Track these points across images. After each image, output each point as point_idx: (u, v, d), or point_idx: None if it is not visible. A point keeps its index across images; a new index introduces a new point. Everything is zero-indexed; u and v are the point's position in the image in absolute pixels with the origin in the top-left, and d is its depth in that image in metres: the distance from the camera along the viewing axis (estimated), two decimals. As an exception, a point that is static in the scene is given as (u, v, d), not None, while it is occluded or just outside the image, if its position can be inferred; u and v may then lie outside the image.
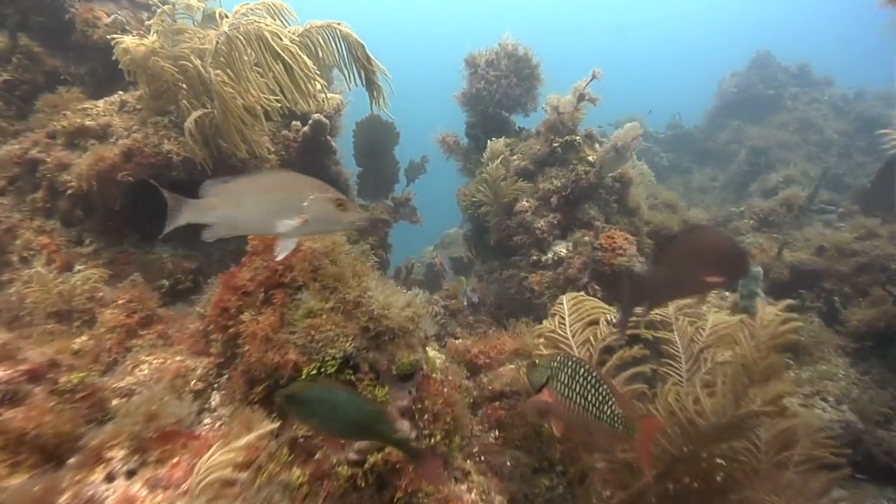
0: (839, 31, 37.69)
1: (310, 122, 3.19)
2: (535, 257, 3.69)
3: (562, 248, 3.64)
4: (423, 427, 1.64)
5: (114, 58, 2.62)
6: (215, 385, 1.76)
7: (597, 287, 3.32)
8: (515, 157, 4.07)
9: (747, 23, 39.07)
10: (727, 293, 3.75)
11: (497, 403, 2.14)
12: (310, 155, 3.28)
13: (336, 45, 2.68)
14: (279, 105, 2.60)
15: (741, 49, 12.03)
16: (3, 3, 3.01)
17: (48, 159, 2.64)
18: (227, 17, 2.53)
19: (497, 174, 3.75)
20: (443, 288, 4.30)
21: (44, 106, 2.85)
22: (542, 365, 1.52)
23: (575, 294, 2.22)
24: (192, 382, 1.73)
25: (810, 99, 10.04)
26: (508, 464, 1.96)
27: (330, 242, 1.79)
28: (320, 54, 2.66)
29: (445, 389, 1.77)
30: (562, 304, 2.15)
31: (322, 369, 1.50)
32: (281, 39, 2.37)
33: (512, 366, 2.27)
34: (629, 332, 2.03)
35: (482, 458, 1.96)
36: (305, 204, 1.38)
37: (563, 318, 2.08)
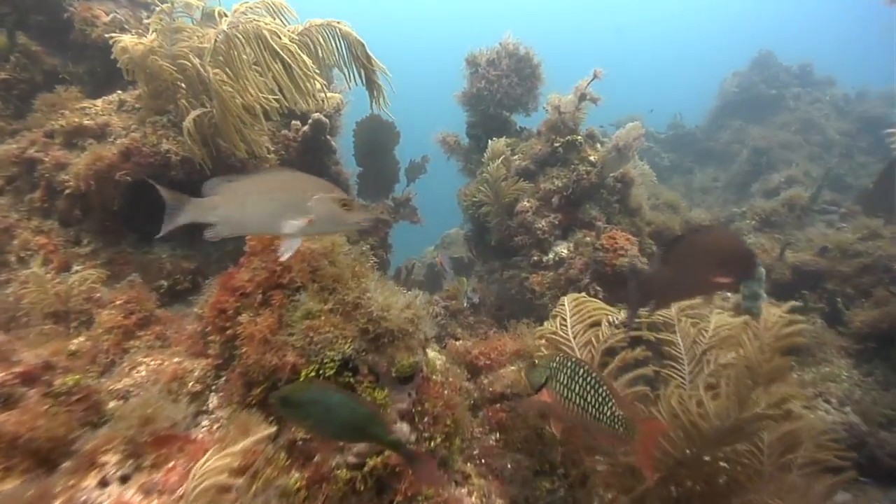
0: (841, 31, 37.68)
1: (310, 121, 3.18)
2: (536, 258, 3.67)
3: (563, 249, 3.62)
4: (422, 430, 1.62)
5: (112, 57, 2.60)
6: (213, 387, 1.74)
7: (598, 288, 3.30)
8: (516, 156, 4.05)
9: (749, 22, 39.06)
10: (729, 294, 3.72)
11: (498, 405, 2.12)
12: (309, 154, 3.27)
13: (336, 43, 2.66)
14: (278, 104, 2.59)
15: (743, 49, 12.01)
16: (1, 1, 2.99)
17: (46, 159, 2.63)
18: (226, 15, 2.51)
19: (498, 174, 3.73)
20: (443, 288, 4.28)
21: (42, 105, 2.83)
22: (541, 365, 1.52)
23: (576, 295, 2.20)
24: (190, 384, 1.71)
25: (812, 99, 10.01)
26: (509, 467, 1.94)
27: (329, 243, 1.77)
28: (320, 53, 2.64)
29: (446, 392, 1.75)
30: (563, 305, 2.13)
31: (321, 371, 1.48)
32: (280, 38, 2.35)
33: (513, 367, 2.25)
34: (632, 333, 2.01)
35: (483, 460, 1.94)
36: (310, 204, 1.37)
37: (565, 320, 2.07)
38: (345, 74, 2.81)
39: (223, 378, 1.74)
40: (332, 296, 1.62)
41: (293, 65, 2.38)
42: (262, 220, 1.40)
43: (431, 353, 2.09)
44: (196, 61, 2.52)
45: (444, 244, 7.21)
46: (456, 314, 3.69)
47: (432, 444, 1.62)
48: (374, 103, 2.94)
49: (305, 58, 2.42)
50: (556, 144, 3.87)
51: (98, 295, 2.28)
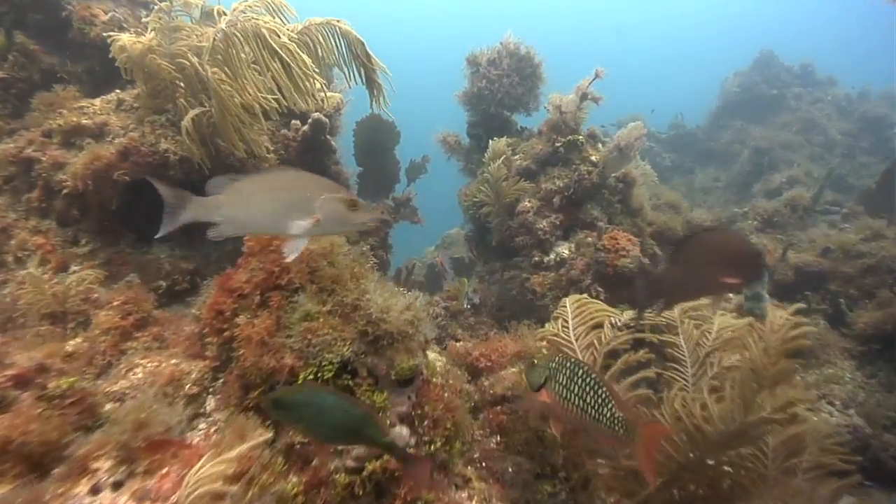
0: (842, 31, 37.65)
1: (309, 121, 3.16)
2: (537, 258, 3.65)
3: (564, 249, 3.60)
4: (422, 433, 1.60)
5: (111, 56, 2.58)
6: (210, 389, 1.72)
7: (600, 289, 3.28)
8: (517, 156, 4.03)
9: (750, 22, 39.03)
10: (731, 295, 3.70)
11: (499, 408, 2.10)
12: (309, 154, 3.24)
13: (335, 42, 2.64)
14: (277, 104, 2.56)
15: (744, 49, 11.98)
16: (-1, 0, 2.98)
17: (44, 158, 2.61)
18: (225, 14, 2.49)
19: (499, 174, 3.71)
20: (444, 289, 4.26)
21: (40, 104, 2.81)
22: (540, 365, 1.51)
23: (578, 296, 2.18)
24: (187, 387, 1.69)
25: (814, 99, 9.97)
26: (510, 470, 1.92)
27: (328, 243, 1.75)
28: (319, 52, 2.62)
29: (446, 394, 1.73)
30: (565, 306, 2.11)
31: (319, 374, 1.46)
32: (279, 37, 2.33)
33: (514, 369, 2.23)
34: (634, 336, 1.99)
35: (483, 463, 1.91)
36: (317, 204, 1.35)
37: (567, 322, 2.04)
38: (345, 73, 2.79)
39: (221, 380, 1.72)
40: (330, 297, 1.60)
41: (292, 64, 2.36)
42: (267, 219, 1.38)
43: (432, 355, 2.07)
44: (195, 60, 2.50)
45: (445, 244, 7.18)
46: (456, 315, 3.67)
47: (432, 447, 1.60)
48: (374, 103, 2.92)
49: (304, 57, 2.40)
50: (558, 144, 3.85)
51: (95, 296, 2.26)
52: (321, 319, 1.54)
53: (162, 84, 2.64)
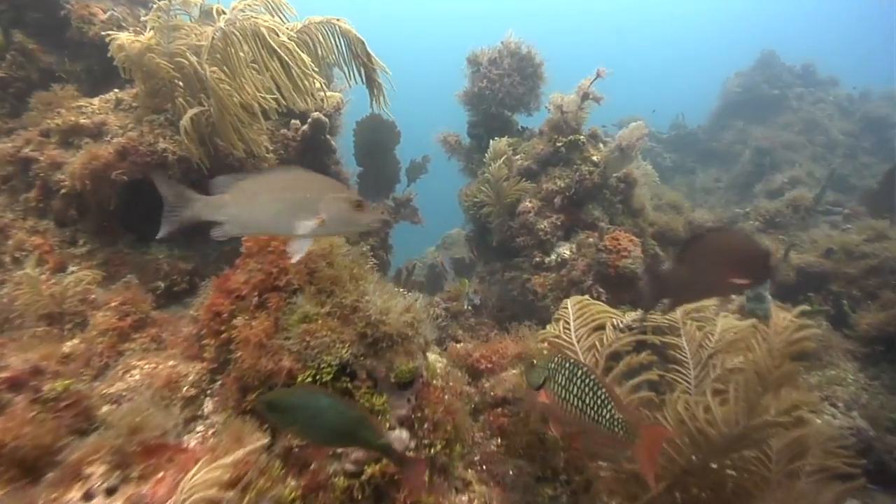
0: (844, 31, 37.60)
1: (309, 120, 3.14)
2: (538, 259, 3.63)
3: (565, 250, 3.58)
4: (422, 436, 1.58)
5: (109, 55, 2.57)
6: (208, 391, 1.70)
7: (601, 290, 3.27)
8: (518, 156, 4.01)
9: (751, 22, 38.99)
10: (732, 296, 3.68)
11: (499, 410, 2.08)
12: (309, 154, 3.23)
13: (335, 41, 2.62)
14: (276, 103, 2.55)
15: (745, 49, 11.96)
16: (-3, -1, 2.96)
17: (41, 158, 2.59)
18: (224, 13, 2.47)
19: (499, 174, 3.69)
20: (444, 289, 4.24)
21: (38, 104, 2.79)
22: (539, 366, 1.50)
23: (580, 298, 2.16)
24: (185, 389, 1.67)
25: (815, 99, 9.95)
26: (511, 473, 1.90)
27: (327, 244, 1.73)
28: (319, 51, 2.60)
29: (446, 397, 1.71)
30: (566, 308, 2.09)
31: (317, 377, 1.44)
32: (278, 35, 2.31)
33: (515, 371, 2.21)
34: (636, 338, 1.97)
35: (484, 466, 1.90)
36: (322, 204, 1.33)
37: (568, 323, 2.02)
38: (344, 73, 2.77)
39: (218, 382, 1.70)
40: (329, 299, 1.58)
41: (291, 63, 2.34)
42: (271, 219, 1.36)
43: (432, 357, 2.05)
44: (193, 59, 2.48)
45: (445, 245, 7.16)
46: (457, 316, 3.65)
47: (432, 450, 1.58)
48: (374, 102, 2.90)
49: (304, 56, 2.38)
50: (559, 144, 3.83)
51: (93, 296, 2.24)
52: (320, 321, 1.52)
53: (160, 83, 2.62)
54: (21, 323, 2.08)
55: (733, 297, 3.65)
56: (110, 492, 1.07)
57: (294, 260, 1.38)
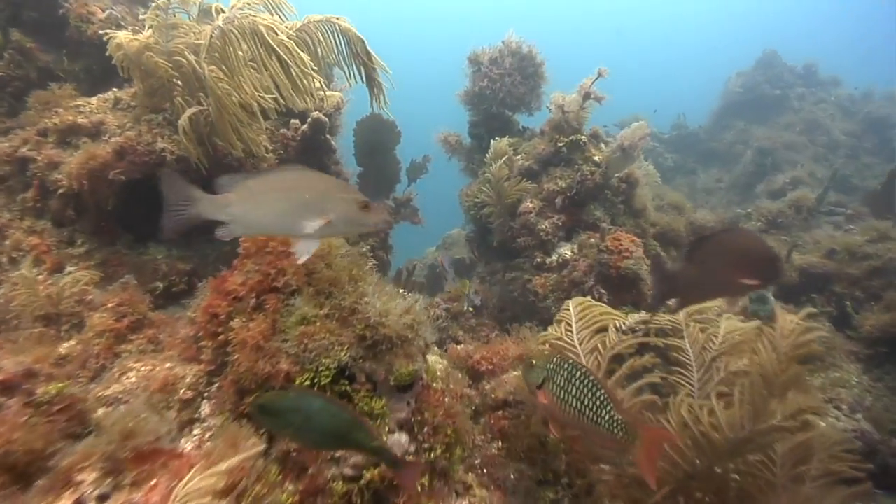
0: (845, 31, 37.55)
1: (309, 120, 3.12)
2: (539, 259, 3.61)
3: (566, 251, 3.56)
4: (422, 440, 1.56)
5: (108, 53, 2.54)
6: (205, 394, 1.68)
7: (603, 291, 3.24)
8: (519, 156, 3.99)
9: (753, 22, 38.94)
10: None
11: (500, 412, 2.06)
12: (309, 154, 3.21)
13: (335, 40, 2.60)
14: (275, 103, 2.53)
15: (747, 49, 11.93)
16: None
17: (39, 157, 2.57)
18: (223, 11, 2.45)
19: (500, 174, 3.67)
20: (445, 290, 4.22)
21: (35, 103, 2.77)
22: (538, 366, 1.50)
23: (582, 299, 2.13)
24: (181, 391, 1.64)
25: (817, 99, 9.92)
26: (512, 476, 1.87)
27: (326, 245, 1.71)
28: (318, 50, 2.58)
29: (446, 399, 1.69)
30: (568, 309, 2.07)
31: (315, 380, 1.42)
32: (276, 34, 2.29)
33: (516, 373, 2.19)
34: (639, 340, 1.94)
35: (484, 470, 1.87)
36: (329, 204, 1.32)
37: (570, 325, 2.00)
38: (344, 72, 2.75)
39: (216, 385, 1.68)
40: (328, 300, 1.56)
41: (290, 62, 2.31)
42: (277, 219, 1.34)
43: (432, 358, 2.03)
44: (192, 58, 2.46)
45: (446, 245, 7.14)
46: (457, 316, 3.63)
47: (432, 454, 1.56)
48: (374, 102, 2.88)
49: (303, 55, 2.36)
50: (560, 144, 3.81)
51: (90, 297, 2.22)
52: (318, 323, 1.50)
53: (159, 82, 2.60)
54: (17, 324, 2.07)
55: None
56: (102, 499, 1.04)
57: (301, 261, 1.36)
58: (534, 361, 1.53)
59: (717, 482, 1.66)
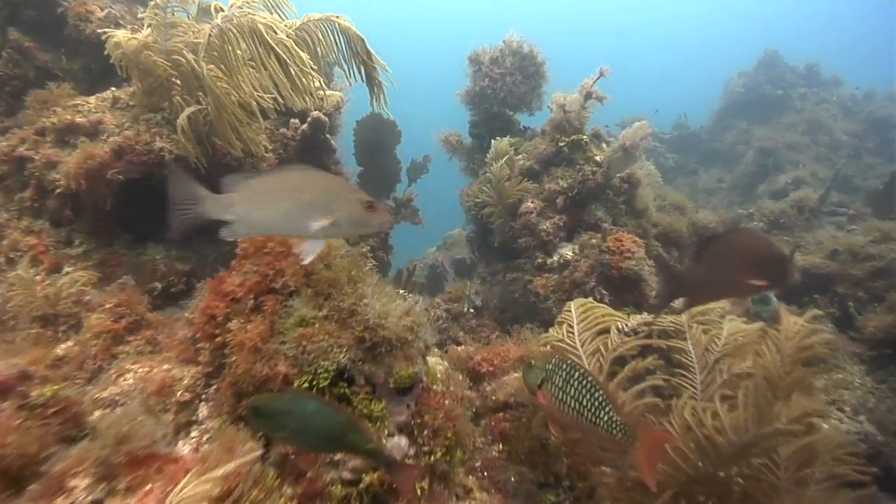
0: (847, 31, 37.50)
1: (309, 119, 3.10)
2: (540, 260, 3.59)
3: (568, 251, 3.54)
4: (422, 443, 1.54)
5: (106, 52, 2.53)
6: (203, 396, 1.66)
7: (604, 291, 3.22)
8: (520, 156, 3.97)
9: (754, 22, 38.90)
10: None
11: (501, 414, 2.04)
12: (309, 154, 3.19)
13: (335, 39, 2.58)
14: (274, 102, 2.51)
15: (748, 49, 11.89)
16: (-7, -4, 2.92)
17: (36, 157, 2.55)
18: (222, 10, 2.43)
19: (501, 174, 3.65)
20: (445, 290, 4.20)
21: (33, 102, 2.75)
22: (536, 366, 1.50)
23: (584, 301, 2.11)
24: (179, 393, 1.63)
25: (819, 99, 9.88)
26: (513, 479, 1.86)
27: (325, 245, 1.69)
28: (318, 49, 2.56)
29: (447, 402, 1.67)
30: (570, 311, 2.05)
31: (314, 382, 1.40)
32: (276, 33, 2.27)
33: (517, 374, 2.17)
34: (642, 342, 1.92)
35: (485, 473, 1.86)
36: (334, 205, 1.30)
37: (572, 327, 1.98)
38: (344, 71, 2.73)
39: (213, 387, 1.66)
40: (326, 302, 1.54)
41: (289, 61, 2.30)
42: (281, 219, 1.32)
43: (432, 360, 2.01)
44: (190, 57, 2.44)
45: (446, 245, 7.12)
46: (458, 317, 3.61)
47: (432, 458, 1.54)
48: (374, 101, 2.86)
49: (302, 53, 2.34)
50: (561, 144, 3.79)
51: (88, 298, 2.20)
52: (317, 325, 1.48)
53: (157, 81, 2.58)
54: (14, 325, 2.05)
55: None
56: (95, 505, 1.03)
57: (306, 261, 1.35)
58: (532, 362, 1.53)
59: (721, 486, 1.64)
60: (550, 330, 2.11)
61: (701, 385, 1.91)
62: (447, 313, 3.56)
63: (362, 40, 2.60)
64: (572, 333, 1.96)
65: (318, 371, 1.41)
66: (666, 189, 5.51)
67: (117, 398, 1.62)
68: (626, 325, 2.04)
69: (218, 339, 1.57)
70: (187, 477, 0.97)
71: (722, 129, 10.11)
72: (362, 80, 2.79)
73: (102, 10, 3.09)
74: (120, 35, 2.47)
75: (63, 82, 2.88)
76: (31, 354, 1.42)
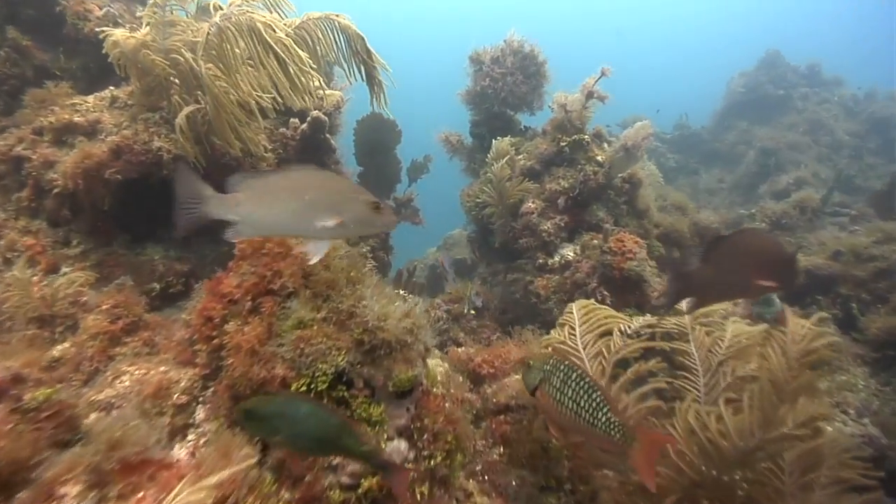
0: (849, 31, 37.45)
1: (308, 119, 3.08)
2: (541, 260, 3.56)
3: (569, 252, 3.52)
4: (422, 447, 1.52)
5: (104, 51, 2.51)
6: (200, 398, 1.64)
7: (606, 292, 3.20)
8: (521, 156, 3.95)
9: (755, 22, 38.85)
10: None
11: (502, 417, 2.02)
12: (308, 153, 3.16)
13: (334, 38, 2.56)
14: (273, 101, 2.49)
15: (749, 49, 11.85)
16: (-9, -5, 2.90)
17: (34, 157, 2.53)
18: (221, 8, 2.41)
19: (502, 174, 3.63)
20: (445, 291, 4.18)
21: (31, 101, 2.73)
22: (535, 367, 1.50)
23: (586, 302, 2.09)
24: (175, 396, 1.61)
25: (820, 99, 9.85)
26: (514, 483, 1.84)
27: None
28: (318, 48, 2.54)
29: (447, 405, 1.64)
30: (571, 312, 2.02)
31: (312, 385, 1.38)
32: (275, 31, 2.25)
33: (517, 376, 2.15)
34: (644, 344, 1.90)
35: (486, 476, 1.84)
36: (341, 205, 1.29)
37: (574, 329, 1.96)
38: (344, 70, 2.71)
39: (211, 389, 1.64)
40: (325, 303, 1.52)
41: (288, 60, 2.27)
42: (288, 220, 1.31)
43: (432, 362, 1.99)
44: (189, 56, 2.42)
45: (447, 246, 7.10)
46: (458, 318, 3.59)
47: (432, 462, 1.52)
48: (374, 101, 2.84)
49: (301, 52, 2.31)
50: (563, 144, 3.77)
51: (85, 298, 2.18)
52: (315, 327, 1.46)
53: (156, 80, 2.56)
54: (10, 326, 2.03)
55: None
56: (86, 513, 1.01)
57: (313, 262, 1.35)
58: (531, 363, 1.53)
59: (725, 490, 1.62)
60: (552, 332, 2.09)
61: (704, 388, 1.88)
62: (447, 314, 3.54)
63: (362, 39, 2.58)
64: (574, 335, 1.94)
65: (317, 374, 1.39)
66: (667, 189, 5.48)
67: (113, 401, 1.60)
68: (629, 328, 2.02)
69: (215, 341, 1.55)
70: (181, 485, 0.95)
71: (723, 129, 10.09)
72: (362, 80, 2.77)
73: (101, 8, 3.07)
74: (118, 34, 2.45)
75: (61, 81, 2.86)
76: (25, 356, 1.40)
